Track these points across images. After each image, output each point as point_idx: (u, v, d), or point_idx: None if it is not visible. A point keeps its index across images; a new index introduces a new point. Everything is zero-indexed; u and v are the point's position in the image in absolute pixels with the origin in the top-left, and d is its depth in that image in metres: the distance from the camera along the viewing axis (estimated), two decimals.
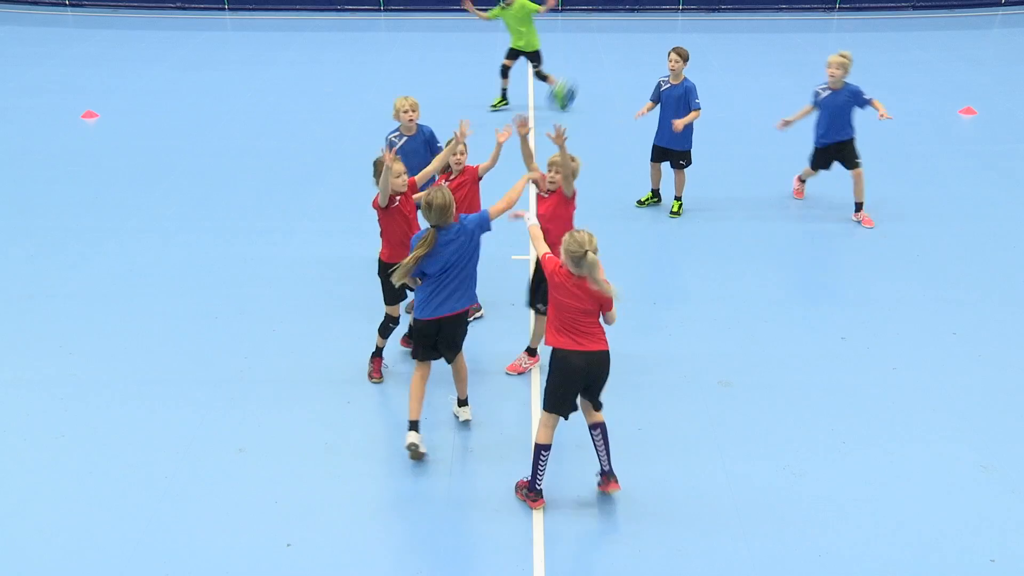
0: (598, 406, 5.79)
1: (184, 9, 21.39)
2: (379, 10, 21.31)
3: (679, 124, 9.47)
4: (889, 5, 21.35)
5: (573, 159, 6.84)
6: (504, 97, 14.17)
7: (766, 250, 9.31)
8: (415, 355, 6.37)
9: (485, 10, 14.36)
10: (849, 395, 7.02)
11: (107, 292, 8.48)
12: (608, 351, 5.62)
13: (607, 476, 5.84)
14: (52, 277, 8.73)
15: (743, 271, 8.89)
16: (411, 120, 8.55)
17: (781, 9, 21.36)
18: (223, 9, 21.38)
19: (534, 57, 14.13)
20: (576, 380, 5.57)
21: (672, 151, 9.81)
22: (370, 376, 7.14)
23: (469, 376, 6.63)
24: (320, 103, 14.26)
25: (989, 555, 5.48)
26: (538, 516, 5.76)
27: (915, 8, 21.34)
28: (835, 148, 9.73)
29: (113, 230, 9.73)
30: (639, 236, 9.62)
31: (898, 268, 8.94)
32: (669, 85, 9.70)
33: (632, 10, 20.99)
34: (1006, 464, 6.23)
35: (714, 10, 21.29)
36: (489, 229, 6.25)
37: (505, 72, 14.12)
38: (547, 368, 5.71)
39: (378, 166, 6.79)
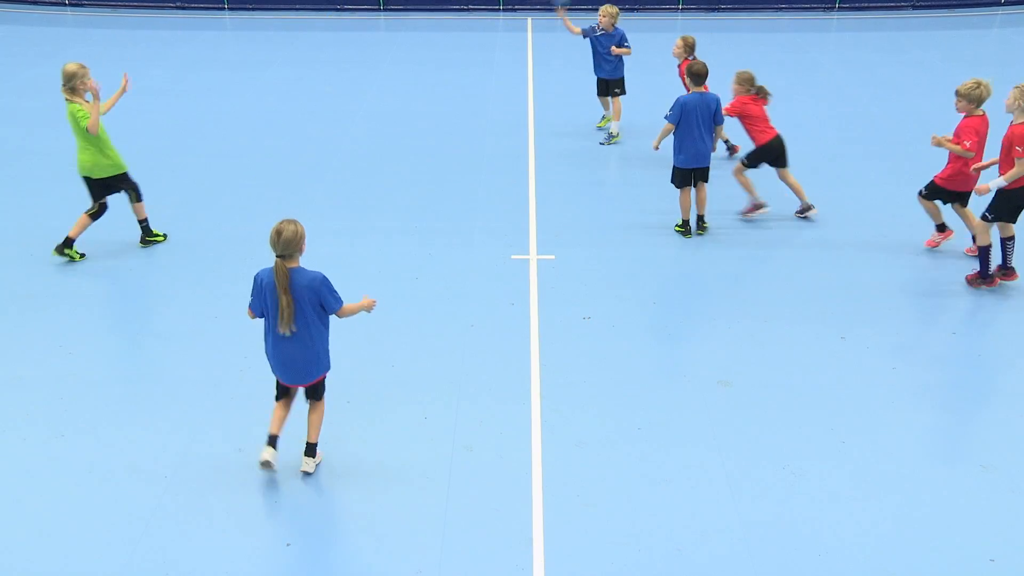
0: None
1: (184, 9, 21.41)
2: (379, 10, 21.33)
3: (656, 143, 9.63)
4: (889, 5, 21.37)
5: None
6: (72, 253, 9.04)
7: (765, 249, 9.32)
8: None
9: None
10: (849, 395, 7.01)
11: (106, 291, 8.48)
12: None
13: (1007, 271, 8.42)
14: (52, 276, 8.73)
15: (742, 270, 8.89)
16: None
17: (781, 9, 21.38)
18: (223, 9, 21.40)
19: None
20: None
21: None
22: None
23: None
24: (320, 103, 14.26)
25: (989, 555, 5.48)
26: (538, 516, 5.77)
27: (915, 8, 21.37)
28: None
29: (111, 229, 9.73)
30: (638, 235, 9.62)
31: (898, 267, 8.94)
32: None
33: (632, 10, 21.01)
34: (1006, 464, 6.23)
35: (714, 10, 21.31)
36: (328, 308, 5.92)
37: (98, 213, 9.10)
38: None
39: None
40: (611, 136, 12.34)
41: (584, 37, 12.30)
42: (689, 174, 9.47)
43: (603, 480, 6.08)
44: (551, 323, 7.92)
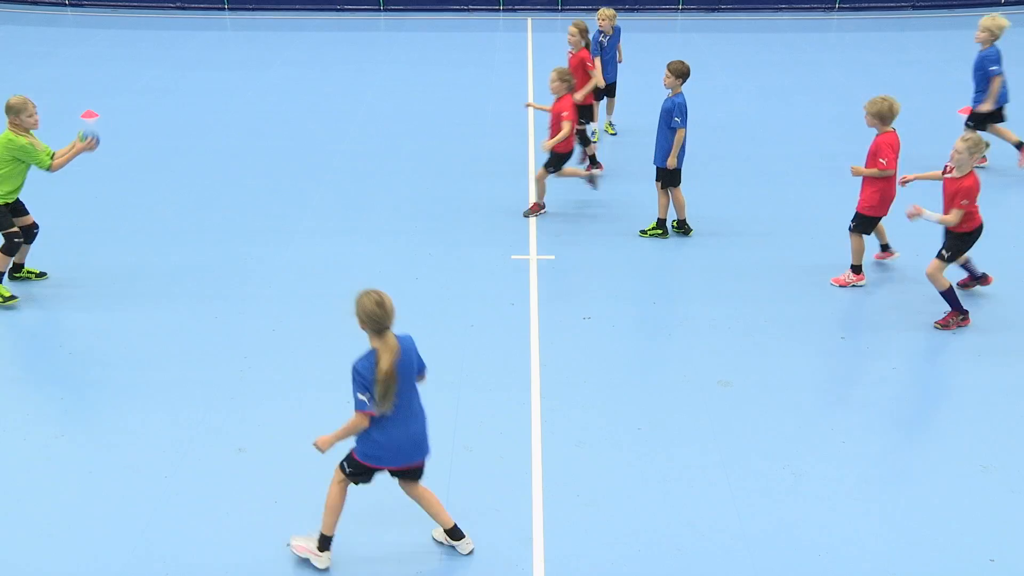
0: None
1: (184, 9, 21.39)
2: (379, 10, 21.32)
3: (670, 162, 9.27)
4: (889, 5, 21.36)
5: None
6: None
7: (764, 249, 9.31)
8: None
9: None
10: (849, 394, 7.01)
11: (107, 292, 8.47)
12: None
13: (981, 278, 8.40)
14: (52, 276, 8.72)
15: (742, 271, 8.89)
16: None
17: (781, 9, 21.37)
18: (223, 9, 21.39)
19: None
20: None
21: (656, 168, 9.52)
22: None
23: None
24: (320, 103, 14.26)
25: (989, 555, 5.48)
26: (538, 516, 5.76)
27: (915, 8, 21.35)
28: None
29: (112, 230, 9.73)
30: (637, 236, 9.61)
31: (898, 267, 8.94)
32: (666, 98, 9.27)
33: (632, 10, 20.99)
34: (1006, 464, 6.23)
35: (714, 10, 21.30)
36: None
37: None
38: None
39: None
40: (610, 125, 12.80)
41: (599, 52, 12.18)
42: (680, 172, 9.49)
43: (603, 480, 6.08)
44: (551, 323, 7.92)
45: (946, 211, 7.80)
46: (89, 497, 5.93)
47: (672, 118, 9.15)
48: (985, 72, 10.86)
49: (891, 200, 8.52)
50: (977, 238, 7.91)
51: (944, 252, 7.85)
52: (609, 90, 12.54)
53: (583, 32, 10.95)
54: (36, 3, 21.69)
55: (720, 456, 6.31)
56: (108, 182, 11.05)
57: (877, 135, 8.37)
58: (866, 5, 21.28)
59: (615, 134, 12.66)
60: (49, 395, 7.03)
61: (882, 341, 7.73)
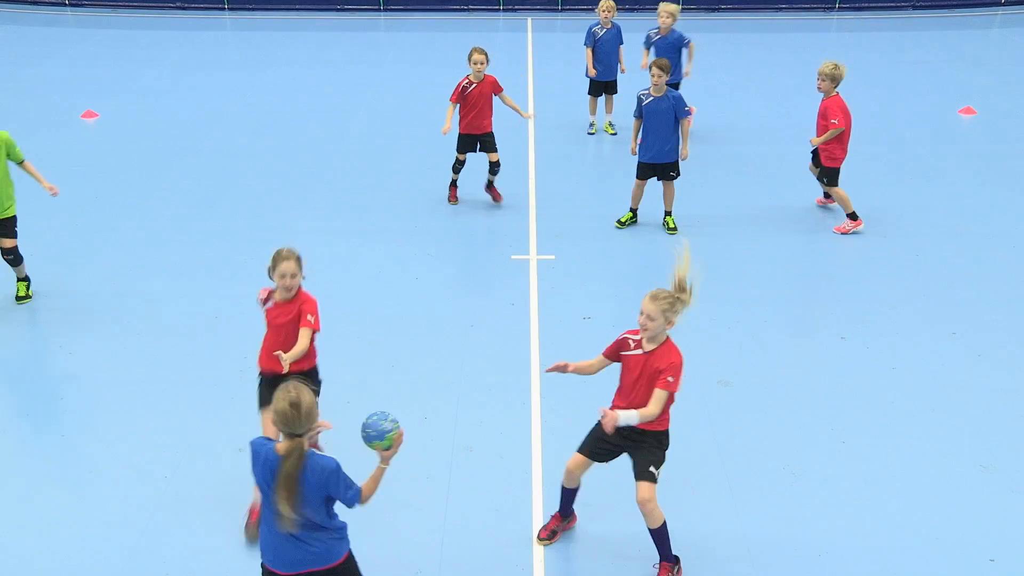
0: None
1: (184, 9, 21.39)
2: (379, 10, 21.31)
3: (684, 153, 9.36)
4: (889, 5, 21.35)
5: None
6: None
7: (765, 250, 9.31)
8: None
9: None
10: (849, 395, 7.01)
11: (107, 292, 8.48)
12: None
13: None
14: (52, 277, 8.72)
15: (742, 271, 8.88)
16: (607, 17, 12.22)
17: (781, 9, 21.35)
18: (223, 9, 21.38)
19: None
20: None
21: (660, 165, 9.38)
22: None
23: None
24: (320, 103, 14.26)
25: (989, 555, 5.48)
26: (538, 516, 5.76)
27: (915, 8, 21.34)
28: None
29: (113, 230, 9.73)
30: (638, 235, 9.61)
31: (898, 268, 8.94)
32: (652, 99, 9.23)
33: (632, 10, 20.99)
34: (1006, 464, 6.23)
35: (714, 10, 21.30)
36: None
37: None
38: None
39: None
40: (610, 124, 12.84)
41: (593, 44, 12.42)
42: None
43: (603, 480, 6.07)
44: (551, 323, 7.92)
45: (640, 400, 5.27)
46: (89, 497, 5.93)
47: (682, 108, 9.23)
48: (680, 49, 12.02)
49: (846, 147, 9.30)
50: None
51: (652, 469, 5.25)
52: (609, 87, 12.57)
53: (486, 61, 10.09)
54: (36, 3, 21.69)
55: (720, 456, 6.31)
56: (108, 182, 11.04)
57: (824, 99, 9.20)
58: (866, 5, 21.27)
59: (615, 133, 12.67)
60: (49, 394, 7.02)
61: (882, 341, 7.73)
